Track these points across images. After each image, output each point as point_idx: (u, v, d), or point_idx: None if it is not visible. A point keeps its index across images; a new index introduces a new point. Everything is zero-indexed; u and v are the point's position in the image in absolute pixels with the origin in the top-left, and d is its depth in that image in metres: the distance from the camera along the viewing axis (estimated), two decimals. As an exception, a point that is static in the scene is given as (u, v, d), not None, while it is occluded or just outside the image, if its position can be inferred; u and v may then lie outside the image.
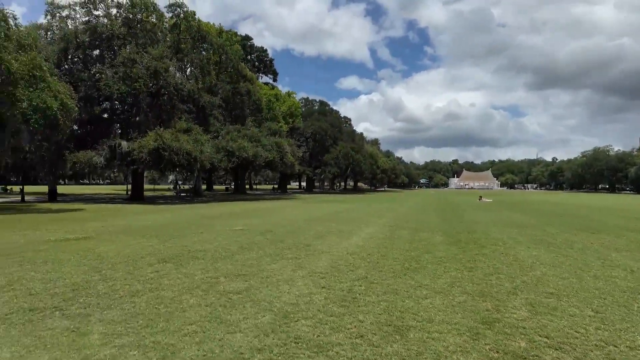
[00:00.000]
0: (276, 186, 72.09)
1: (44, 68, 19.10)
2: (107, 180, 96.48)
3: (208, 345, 3.52)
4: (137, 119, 27.88)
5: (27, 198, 28.73)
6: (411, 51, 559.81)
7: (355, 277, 5.96)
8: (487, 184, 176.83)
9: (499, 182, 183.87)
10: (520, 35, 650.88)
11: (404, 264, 6.91)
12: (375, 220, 14.81)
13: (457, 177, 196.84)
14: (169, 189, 61.01)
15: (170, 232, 10.95)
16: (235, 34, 51.48)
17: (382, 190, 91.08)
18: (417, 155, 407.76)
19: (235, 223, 13.64)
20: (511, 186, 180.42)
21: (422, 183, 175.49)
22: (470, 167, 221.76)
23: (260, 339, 3.67)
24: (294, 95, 63.38)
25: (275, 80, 62.62)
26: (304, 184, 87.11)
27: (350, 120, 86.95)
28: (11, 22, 18.98)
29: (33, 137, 22.68)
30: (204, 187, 48.15)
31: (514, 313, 4.48)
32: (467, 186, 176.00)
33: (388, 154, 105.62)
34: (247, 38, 56.70)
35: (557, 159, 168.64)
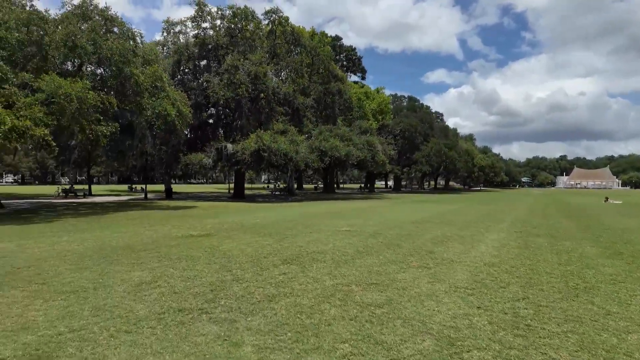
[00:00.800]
0: (363, 185, 71.52)
1: (164, 79, 21.22)
2: (210, 180, 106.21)
3: (376, 375, 3.00)
4: (239, 122, 29.64)
5: (148, 196, 32.57)
6: (507, 38, 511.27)
7: (513, 297, 5.00)
8: (604, 183, 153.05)
9: (620, 181, 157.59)
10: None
11: (567, 282, 5.68)
12: (494, 225, 13.22)
13: (566, 175, 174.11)
14: (263, 188, 64.56)
15: (281, 231, 11.01)
16: (326, 35, 52.13)
17: (477, 190, 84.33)
18: (516, 151, 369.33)
19: (338, 223, 13.34)
20: (636, 185, 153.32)
21: (524, 182, 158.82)
22: (582, 163, 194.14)
23: (436, 373, 3.03)
24: (383, 91, 61.95)
25: (363, 78, 62.09)
26: (390, 182, 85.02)
27: (442, 115, 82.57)
28: (138, 40, 21.50)
29: (154, 142, 25.48)
30: (295, 186, 49.73)
31: None
32: (578, 185, 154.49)
33: (485, 150, 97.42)
34: (337, 38, 57.07)
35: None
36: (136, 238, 9.73)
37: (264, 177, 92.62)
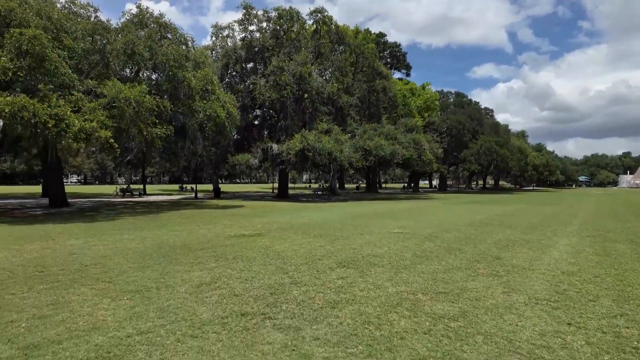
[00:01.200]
0: (406, 185, 69.77)
1: (215, 82, 21.78)
2: (254, 180, 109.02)
3: (467, 402, 2.65)
4: (284, 123, 29.89)
5: (198, 195, 33.79)
6: (561, 28, 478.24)
7: (607, 312, 4.40)
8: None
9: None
10: None
11: (671, 297, 4.95)
12: (561, 228, 12.15)
13: (630, 173, 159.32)
14: (305, 187, 65.04)
15: (331, 232, 10.79)
16: (370, 32, 51.40)
17: (530, 190, 79.36)
18: (572, 149, 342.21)
19: (388, 224, 12.91)
20: None
21: (581, 181, 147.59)
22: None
23: (539, 404, 2.63)
24: (429, 87, 59.96)
25: (408, 74, 60.55)
26: (434, 182, 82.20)
27: (492, 111, 78.46)
28: (190, 44, 22.27)
29: (205, 143, 26.30)
30: (337, 185, 49.50)
31: None
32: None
33: (539, 148, 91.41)
34: (381, 35, 56.03)
35: None
36: (192, 237, 9.94)
37: (305, 177, 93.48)
